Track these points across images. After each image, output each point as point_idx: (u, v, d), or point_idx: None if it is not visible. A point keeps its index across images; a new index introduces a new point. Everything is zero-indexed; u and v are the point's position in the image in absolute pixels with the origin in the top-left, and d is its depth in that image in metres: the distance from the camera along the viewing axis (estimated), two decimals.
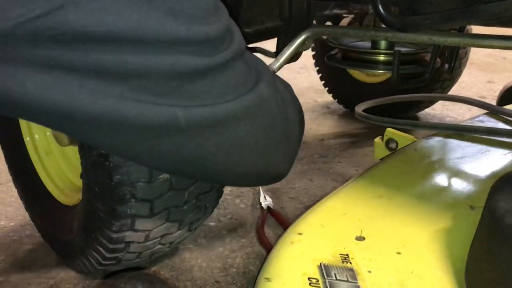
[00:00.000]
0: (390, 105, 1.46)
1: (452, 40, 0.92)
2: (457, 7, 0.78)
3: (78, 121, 0.46)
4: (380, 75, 1.82)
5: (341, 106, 2.10)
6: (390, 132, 1.15)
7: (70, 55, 0.41)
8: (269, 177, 0.74)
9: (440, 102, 2.02)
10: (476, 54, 2.77)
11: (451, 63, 1.25)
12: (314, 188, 1.37)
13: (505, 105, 1.47)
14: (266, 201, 1.24)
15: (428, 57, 1.20)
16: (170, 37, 0.45)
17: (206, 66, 0.50)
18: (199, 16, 0.47)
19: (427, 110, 2.00)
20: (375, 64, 1.22)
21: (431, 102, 1.93)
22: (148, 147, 0.55)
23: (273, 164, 0.70)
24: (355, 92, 1.92)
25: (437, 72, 1.55)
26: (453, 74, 1.75)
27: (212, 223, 1.18)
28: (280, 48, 1.25)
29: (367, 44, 1.25)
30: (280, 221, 1.17)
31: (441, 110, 2.05)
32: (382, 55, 1.19)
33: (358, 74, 1.92)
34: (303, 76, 2.65)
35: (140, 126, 0.48)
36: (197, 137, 0.54)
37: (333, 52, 1.35)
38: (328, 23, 1.60)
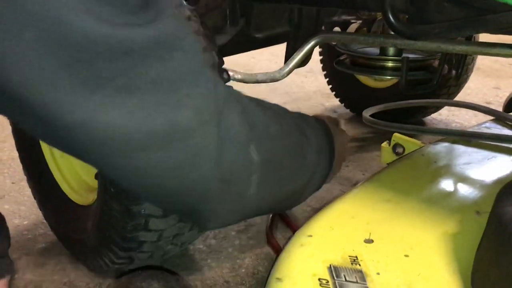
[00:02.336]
0: (397, 110, 1.48)
1: (460, 48, 0.94)
2: (465, 17, 0.80)
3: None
4: (387, 80, 1.84)
5: (348, 111, 2.11)
6: (397, 137, 1.17)
7: None
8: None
9: (446, 107, 2.03)
10: (483, 60, 2.78)
11: (458, 70, 1.26)
12: (321, 192, 1.37)
13: (511, 111, 1.48)
14: None
15: (435, 63, 1.22)
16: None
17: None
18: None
19: (433, 115, 2.01)
20: (384, 70, 1.24)
21: (437, 108, 1.94)
22: None
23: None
24: (362, 96, 1.94)
25: (444, 79, 1.57)
26: (460, 80, 1.76)
27: None
28: (289, 53, 1.27)
29: (376, 50, 1.27)
30: (288, 223, 1.19)
31: (447, 116, 2.07)
32: (390, 62, 1.22)
33: (365, 79, 1.94)
34: (310, 80, 2.67)
35: None
36: None
37: (341, 58, 1.38)
38: (337, 28, 1.62)
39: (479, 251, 0.66)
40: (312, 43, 1.08)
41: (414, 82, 1.24)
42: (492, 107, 1.70)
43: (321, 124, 0.80)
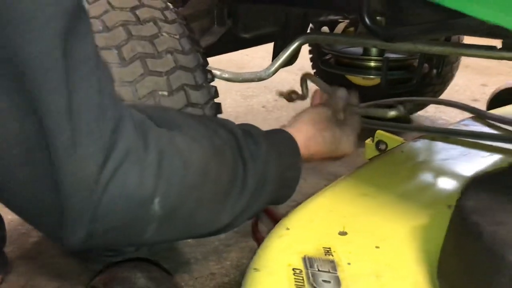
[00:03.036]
0: (382, 107, 1.51)
1: (436, 49, 0.98)
2: (438, 20, 0.83)
3: None
4: (373, 79, 1.88)
5: None
6: (380, 134, 1.20)
7: None
8: None
9: (433, 105, 2.07)
10: (471, 58, 2.81)
11: (439, 69, 1.30)
12: (307, 187, 1.40)
13: (494, 108, 1.52)
14: None
15: (416, 63, 1.26)
16: None
17: None
18: None
19: (420, 112, 2.05)
20: (367, 70, 1.28)
21: (423, 105, 1.98)
22: None
23: None
24: None
25: (427, 77, 1.60)
26: (445, 79, 1.80)
27: None
28: (276, 52, 1.31)
29: (359, 50, 1.31)
30: (273, 217, 1.22)
31: (433, 113, 2.11)
32: (373, 61, 1.26)
33: (353, 77, 1.98)
34: None
35: None
36: None
37: (327, 57, 1.41)
38: (325, 28, 1.66)
39: (444, 243, 0.70)
40: (296, 44, 1.11)
41: (395, 81, 1.28)
42: (479, 104, 1.75)
43: (281, 141, 0.70)
